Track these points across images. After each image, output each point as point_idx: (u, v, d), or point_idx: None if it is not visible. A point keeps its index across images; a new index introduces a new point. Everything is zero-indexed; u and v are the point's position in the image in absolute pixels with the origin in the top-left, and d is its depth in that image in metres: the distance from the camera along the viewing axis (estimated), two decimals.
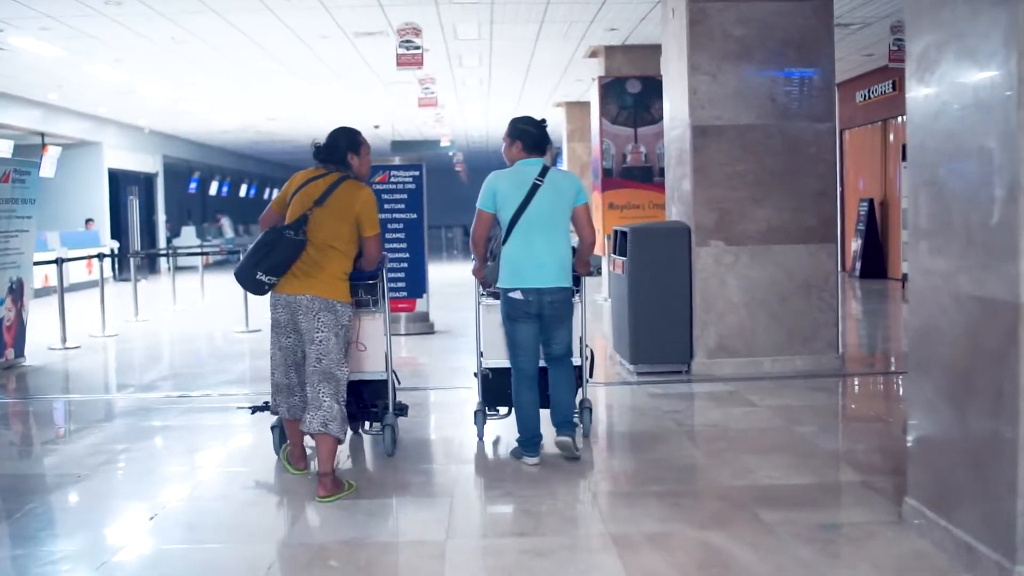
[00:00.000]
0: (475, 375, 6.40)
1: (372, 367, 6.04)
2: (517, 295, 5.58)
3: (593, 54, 16.29)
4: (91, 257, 14.54)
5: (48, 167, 21.61)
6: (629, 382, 8.45)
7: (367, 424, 6.33)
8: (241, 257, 5.59)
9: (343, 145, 5.39)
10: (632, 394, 7.99)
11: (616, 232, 9.15)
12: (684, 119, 8.64)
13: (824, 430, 6.62)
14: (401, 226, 11.88)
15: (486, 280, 5.97)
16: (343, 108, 22.76)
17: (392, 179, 11.81)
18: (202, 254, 16.87)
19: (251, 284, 5.22)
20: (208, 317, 15.10)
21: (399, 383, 6.29)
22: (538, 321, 5.67)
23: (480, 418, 6.28)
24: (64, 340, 11.54)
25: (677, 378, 8.46)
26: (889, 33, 12.88)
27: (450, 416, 7.51)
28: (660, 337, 8.57)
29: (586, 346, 6.27)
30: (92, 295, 14.47)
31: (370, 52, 15.33)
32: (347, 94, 20.49)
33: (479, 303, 6.26)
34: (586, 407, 6.33)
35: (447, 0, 12.07)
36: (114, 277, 23.67)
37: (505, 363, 6.02)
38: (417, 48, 12.48)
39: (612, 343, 9.55)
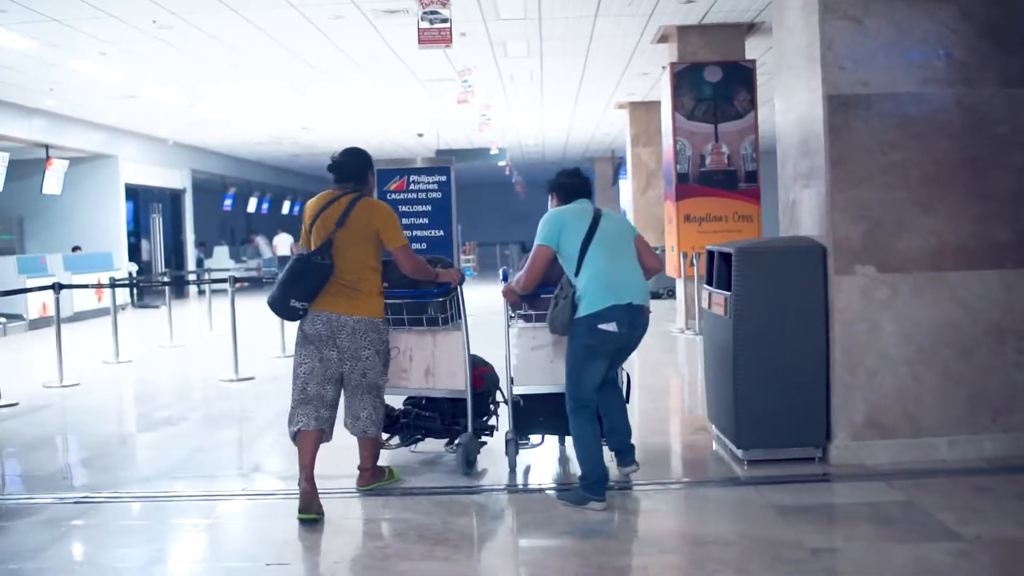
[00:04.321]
0: (504, 402, 6.08)
1: (454, 385, 5.90)
2: (611, 327, 5.19)
3: (663, 38, 13.55)
4: (36, 289, 12.21)
5: (53, 183, 19.44)
6: (736, 479, 5.70)
7: (453, 442, 6.16)
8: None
9: (363, 163, 5.55)
10: (744, 506, 5.22)
11: (713, 254, 6.40)
12: (814, 87, 5.89)
13: None
14: (424, 246, 9.08)
15: (518, 302, 5.84)
16: (382, 115, 20.35)
17: (411, 186, 9.08)
18: (198, 281, 14.34)
19: (285, 311, 5.35)
20: (201, 358, 12.55)
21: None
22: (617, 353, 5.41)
23: (512, 448, 5.95)
24: None
25: (809, 471, 5.70)
26: None
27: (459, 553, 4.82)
28: (781, 408, 5.83)
29: (621, 369, 5.80)
30: (101, 324, 12.10)
31: (395, 37, 12.73)
32: (384, 98, 18.01)
33: (508, 326, 5.95)
34: None
35: None
36: (132, 304, 21.48)
37: (537, 389, 5.91)
38: (444, 21, 9.84)
39: (706, 410, 6.78)
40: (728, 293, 5.93)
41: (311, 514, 5.13)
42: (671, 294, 17.05)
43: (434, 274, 5.68)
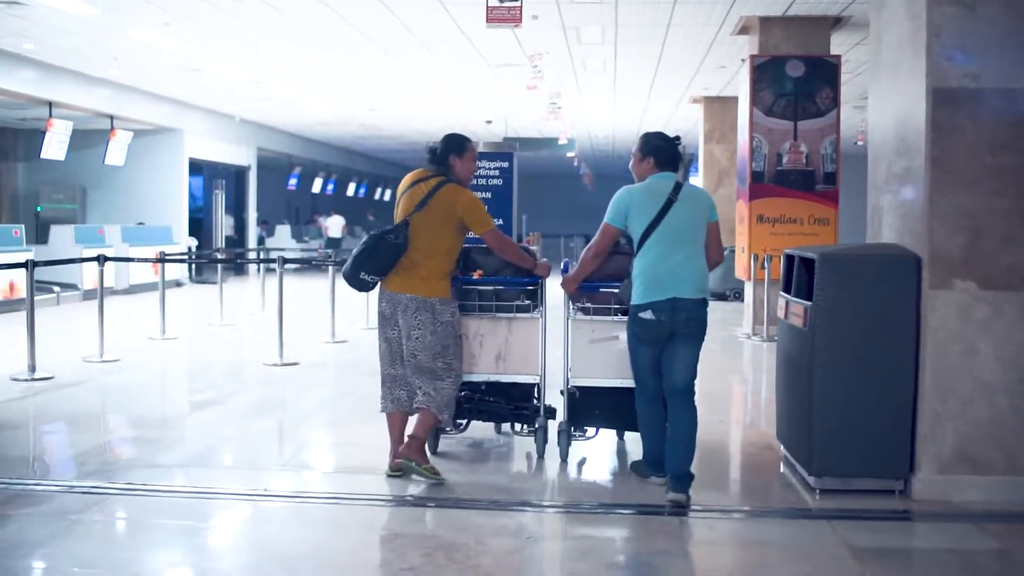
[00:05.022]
0: (561, 393, 6.03)
1: (525, 370, 5.96)
2: (648, 315, 5.24)
3: (744, 29, 12.89)
4: (79, 260, 12.04)
5: (116, 154, 19.31)
6: (806, 511, 5.12)
7: (515, 425, 6.23)
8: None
9: (447, 146, 5.64)
10: (816, 544, 4.63)
11: (792, 259, 5.81)
12: (917, 80, 5.28)
13: None
14: None
15: (577, 295, 5.82)
16: (451, 99, 19.86)
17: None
18: (250, 260, 14.05)
19: (356, 283, 5.51)
20: (249, 339, 12.19)
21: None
22: (665, 343, 5.29)
23: (564, 439, 5.97)
24: (33, 369, 8.74)
25: (889, 505, 5.11)
26: None
27: None
28: (860, 434, 5.24)
29: None
30: (156, 298, 11.91)
31: (465, 18, 12.25)
32: (453, 83, 17.53)
33: (568, 318, 5.91)
34: None
35: None
36: (191, 279, 21.32)
37: (594, 382, 5.90)
38: (515, 0, 9.35)
39: (776, 428, 6.20)
40: (808, 303, 5.35)
41: (397, 471, 5.49)
42: (738, 296, 16.41)
43: (532, 263, 5.79)
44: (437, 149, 5.63)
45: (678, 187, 5.33)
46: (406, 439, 5.49)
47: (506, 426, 6.41)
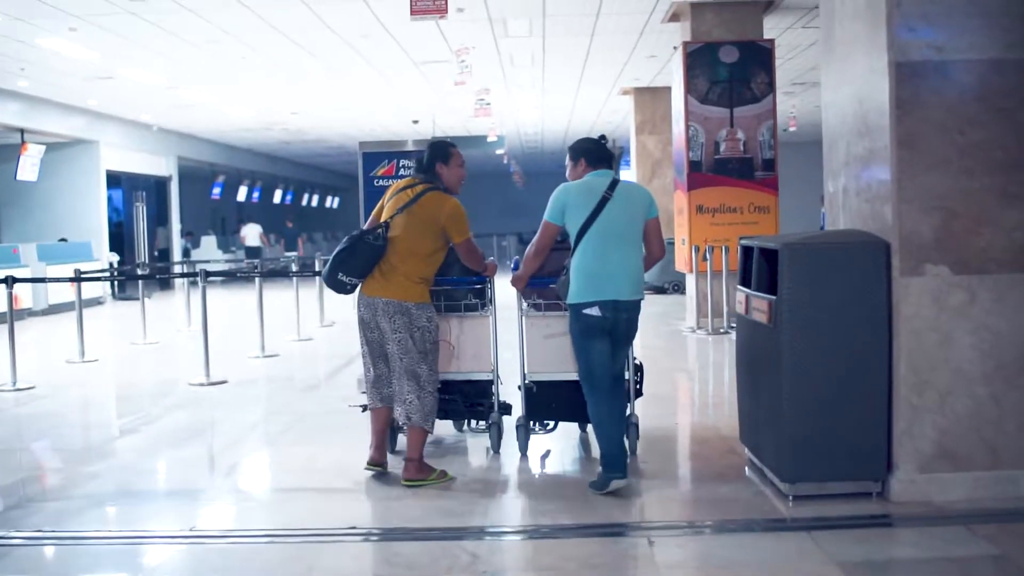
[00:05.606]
0: (519, 388, 6.12)
1: (478, 367, 6.10)
2: (594, 312, 5.25)
3: (674, 16, 12.60)
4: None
5: (28, 169, 18.46)
6: (781, 521, 4.75)
7: (472, 422, 6.44)
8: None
9: (432, 154, 5.70)
10: (799, 561, 4.21)
11: (751, 251, 5.45)
12: (877, 54, 4.94)
13: None
14: None
15: (527, 291, 5.98)
16: (375, 100, 19.36)
17: (401, 171, 8.29)
18: (173, 275, 13.42)
19: (335, 284, 5.58)
20: (174, 357, 11.55)
21: (501, 382, 6.22)
22: (609, 338, 5.34)
23: (522, 434, 6.10)
24: None
25: (868, 509, 4.77)
26: None
27: None
28: (834, 434, 4.89)
29: (634, 358, 5.96)
30: (85, 317, 11.14)
31: (388, 12, 11.76)
32: (376, 82, 17.02)
33: (522, 314, 6.07)
34: (632, 422, 5.97)
35: None
36: (113, 296, 20.50)
37: (551, 376, 6.01)
38: None
39: (739, 431, 5.83)
40: (772, 297, 4.98)
41: (377, 467, 5.66)
42: (678, 289, 16.17)
43: (483, 266, 5.90)
44: (423, 159, 5.70)
45: (614, 184, 5.36)
46: (406, 462, 5.55)
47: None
